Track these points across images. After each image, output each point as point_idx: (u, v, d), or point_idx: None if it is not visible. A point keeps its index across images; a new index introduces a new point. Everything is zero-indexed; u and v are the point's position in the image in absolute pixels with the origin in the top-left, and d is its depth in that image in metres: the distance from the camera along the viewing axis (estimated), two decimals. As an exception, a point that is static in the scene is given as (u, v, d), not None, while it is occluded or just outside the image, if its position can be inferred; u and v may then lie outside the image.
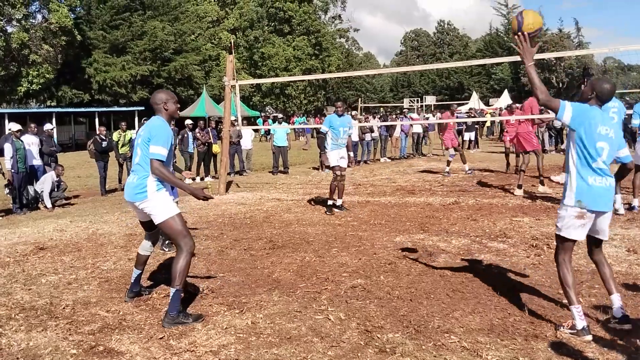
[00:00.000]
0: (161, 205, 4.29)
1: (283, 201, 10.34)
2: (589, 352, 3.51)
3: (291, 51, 53.69)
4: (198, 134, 14.27)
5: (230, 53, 13.19)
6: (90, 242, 7.22)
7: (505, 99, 42.80)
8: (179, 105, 4.67)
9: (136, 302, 4.74)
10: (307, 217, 8.61)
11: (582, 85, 35.14)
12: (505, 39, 63.13)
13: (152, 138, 4.24)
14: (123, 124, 13.32)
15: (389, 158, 19.49)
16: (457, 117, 14.25)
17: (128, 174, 4.97)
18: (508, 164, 13.85)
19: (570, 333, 3.75)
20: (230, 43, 14.98)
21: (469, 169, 13.99)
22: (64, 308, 4.65)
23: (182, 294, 4.32)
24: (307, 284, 5.13)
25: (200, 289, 5.04)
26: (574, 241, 3.88)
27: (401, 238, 6.90)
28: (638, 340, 3.62)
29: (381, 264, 5.72)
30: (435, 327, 3.99)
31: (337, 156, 8.96)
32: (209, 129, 14.82)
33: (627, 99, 29.46)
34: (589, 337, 3.67)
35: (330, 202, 9.00)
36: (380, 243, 6.67)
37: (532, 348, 3.60)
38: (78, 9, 38.90)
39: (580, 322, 3.71)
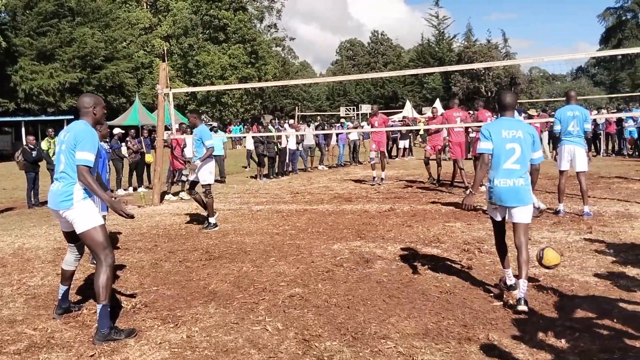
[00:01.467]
0: (85, 215, 4.15)
1: (220, 211, 10.20)
2: (519, 352, 3.63)
3: (227, 59, 53.30)
4: (129, 143, 13.89)
5: (164, 61, 12.93)
6: (16, 258, 6.90)
7: (437, 108, 44.02)
8: (106, 111, 4.56)
9: (65, 319, 4.56)
10: (245, 227, 8.54)
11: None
12: (437, 49, 65.01)
13: (77, 143, 4.10)
14: (50, 130, 12.84)
15: (326, 166, 19.63)
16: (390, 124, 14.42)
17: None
18: (430, 175, 13.31)
19: (503, 286, 4.84)
20: (163, 50, 14.68)
21: (381, 178, 13.57)
22: (-14, 328, 4.42)
23: (109, 309, 4.18)
24: (245, 295, 5.08)
25: (133, 303, 4.90)
26: (496, 221, 4.77)
27: (339, 246, 6.95)
28: (564, 340, 3.78)
29: (319, 272, 5.74)
30: (372, 334, 4.03)
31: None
32: (141, 138, 14.46)
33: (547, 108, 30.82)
34: (515, 292, 4.56)
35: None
36: (318, 251, 6.69)
37: (465, 351, 3.70)
38: (2, 14, 37.25)
39: (509, 281, 4.79)
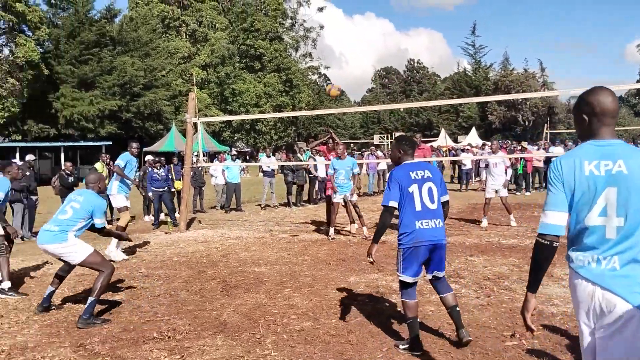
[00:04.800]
0: None
1: (243, 239, 10.25)
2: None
3: (262, 87, 54.10)
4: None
5: (190, 91, 13.22)
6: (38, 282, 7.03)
7: (473, 136, 43.67)
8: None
9: (75, 348, 4.60)
10: (264, 256, 8.53)
11: (545, 125, 35.62)
12: (473, 77, 64.77)
13: None
14: (105, 155, 13.58)
15: (357, 194, 19.53)
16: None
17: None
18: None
19: None
20: (193, 79, 14.98)
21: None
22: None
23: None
24: (254, 327, 5.05)
25: (144, 333, 4.93)
26: None
27: (355, 278, 6.87)
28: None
29: (331, 306, 5.68)
30: (376, 372, 3.96)
31: None
32: (171, 165, 14.60)
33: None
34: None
35: None
36: (334, 283, 6.62)
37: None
38: (46, 43, 38.76)
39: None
